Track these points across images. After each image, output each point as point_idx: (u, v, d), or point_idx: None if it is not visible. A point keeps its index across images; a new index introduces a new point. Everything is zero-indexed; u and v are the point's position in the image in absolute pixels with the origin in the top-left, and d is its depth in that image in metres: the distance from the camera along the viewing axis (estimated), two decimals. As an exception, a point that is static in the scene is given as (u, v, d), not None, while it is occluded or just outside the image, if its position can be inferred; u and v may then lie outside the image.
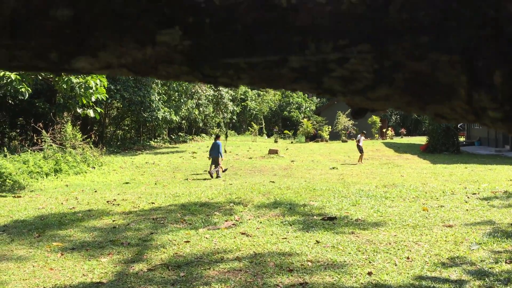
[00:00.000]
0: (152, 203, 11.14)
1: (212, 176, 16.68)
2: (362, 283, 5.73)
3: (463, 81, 0.37)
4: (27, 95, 13.05)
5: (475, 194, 11.12)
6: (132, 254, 6.95)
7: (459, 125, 40.42)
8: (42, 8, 0.37)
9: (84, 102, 14.05)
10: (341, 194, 11.61)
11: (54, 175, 16.85)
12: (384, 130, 46.89)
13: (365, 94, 0.41)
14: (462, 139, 41.10)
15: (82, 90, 13.93)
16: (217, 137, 17.96)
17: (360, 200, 10.64)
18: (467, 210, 9.22)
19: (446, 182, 14.01)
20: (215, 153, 16.95)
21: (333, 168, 20.29)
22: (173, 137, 36.40)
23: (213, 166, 16.98)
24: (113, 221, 9.22)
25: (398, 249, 6.90)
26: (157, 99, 29.76)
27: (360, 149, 22.81)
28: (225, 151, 25.31)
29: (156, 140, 34.54)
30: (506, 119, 0.36)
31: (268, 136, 51.56)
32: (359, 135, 23.47)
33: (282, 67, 0.39)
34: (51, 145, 18.84)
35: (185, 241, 7.54)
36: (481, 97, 0.36)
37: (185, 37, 0.39)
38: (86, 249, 7.25)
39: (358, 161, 22.73)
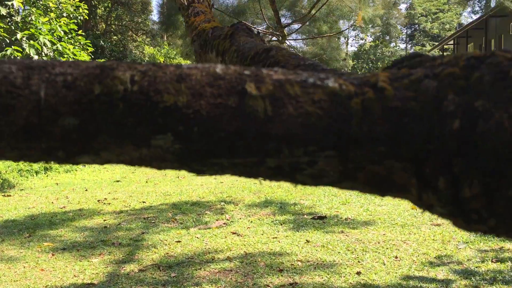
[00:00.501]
0: (143, 202, 11.16)
1: None
2: (351, 283, 5.82)
3: (414, 183, 0.43)
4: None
5: (463, 192, 11.23)
6: (123, 255, 6.99)
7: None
8: (52, 118, 0.43)
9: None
10: (331, 192, 11.70)
11: (44, 173, 16.79)
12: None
13: (332, 186, 0.47)
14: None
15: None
16: None
17: (350, 199, 10.74)
18: (454, 209, 9.35)
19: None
20: None
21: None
22: (164, 133, 36.43)
23: None
24: (104, 220, 9.24)
25: (387, 248, 7.00)
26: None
27: None
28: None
29: (147, 136, 34.53)
30: (451, 215, 0.43)
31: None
32: None
33: (260, 166, 0.45)
34: (41, 143, 18.79)
35: (176, 241, 7.59)
36: (429, 197, 0.43)
37: (176, 142, 0.45)
38: (77, 249, 7.27)
39: None
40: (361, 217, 8.87)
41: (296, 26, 7.65)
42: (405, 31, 69.54)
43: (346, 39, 73.71)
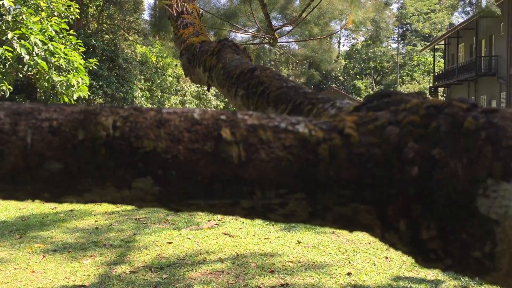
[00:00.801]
0: (135, 202, 11.16)
1: None
2: (341, 284, 5.87)
3: (377, 224, 0.47)
4: (8, 93, 12.92)
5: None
6: (114, 256, 6.99)
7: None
8: (38, 163, 0.45)
9: (66, 100, 13.95)
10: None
11: (36, 173, 16.70)
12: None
13: (303, 223, 0.50)
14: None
15: (64, 88, 13.84)
16: None
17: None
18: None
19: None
20: None
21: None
22: (156, 133, 36.28)
23: None
24: (96, 221, 9.23)
25: (377, 249, 7.06)
26: (140, 95, 29.60)
27: None
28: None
29: (139, 136, 34.37)
30: (411, 253, 0.46)
31: (252, 131, 51.73)
32: None
33: (235, 207, 0.48)
34: (32, 143, 18.66)
35: (168, 242, 7.60)
36: (391, 237, 0.46)
37: (155, 184, 0.48)
38: (68, 251, 7.26)
39: None
40: (352, 217, 8.95)
41: (287, 28, 7.68)
42: (397, 30, 69.73)
43: (338, 38, 73.89)
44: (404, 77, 65.61)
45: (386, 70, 71.35)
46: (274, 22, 7.83)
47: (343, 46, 78.69)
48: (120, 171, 0.47)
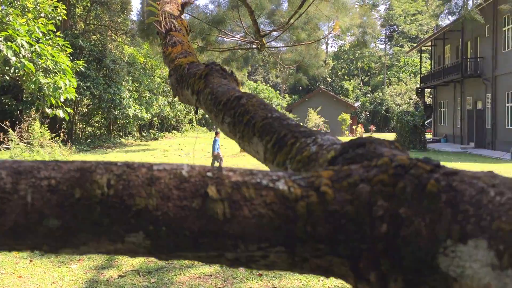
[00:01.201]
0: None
1: None
2: (329, 287, 5.94)
3: (351, 275, 0.51)
4: (-7, 95, 12.78)
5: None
6: (102, 261, 6.98)
7: (426, 122, 41.44)
8: (37, 220, 0.49)
9: (53, 102, 13.86)
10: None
11: (22, 176, 16.55)
12: (354, 127, 47.65)
13: (284, 271, 0.55)
14: (429, 136, 42.13)
15: (51, 90, 13.74)
16: (216, 133, 17.49)
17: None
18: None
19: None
20: (214, 149, 16.80)
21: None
22: (144, 134, 36.10)
23: (216, 162, 16.82)
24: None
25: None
26: (128, 96, 29.46)
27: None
28: (202, 149, 25.27)
29: (127, 137, 34.20)
30: None
31: (240, 132, 51.67)
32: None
33: (220, 258, 0.53)
34: (18, 144, 18.49)
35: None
36: (363, 287, 0.51)
37: (147, 239, 0.52)
38: (56, 255, 7.23)
39: None
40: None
41: (275, 33, 7.73)
42: (384, 32, 70.20)
43: (326, 39, 74.24)
44: (392, 78, 66.09)
45: (374, 71, 71.81)
46: (262, 27, 7.89)
47: (331, 47, 79.12)
48: (114, 227, 0.51)
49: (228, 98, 1.11)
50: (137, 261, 6.89)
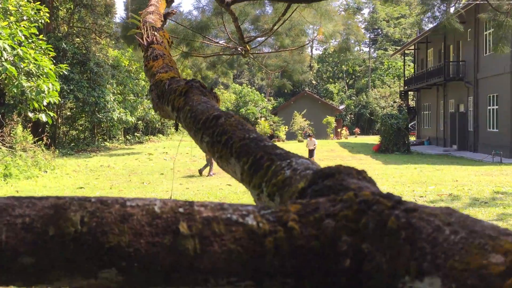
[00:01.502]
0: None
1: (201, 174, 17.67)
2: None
3: None
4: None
5: (422, 197, 11.66)
6: None
7: (409, 125, 41.89)
8: (12, 257, 0.50)
9: (36, 106, 13.72)
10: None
11: (4, 180, 16.34)
12: (339, 130, 47.94)
13: None
14: (413, 138, 42.57)
15: (34, 94, 13.61)
16: None
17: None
18: (414, 214, 9.67)
19: (396, 183, 14.58)
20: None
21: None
22: (129, 138, 35.86)
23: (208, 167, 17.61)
24: (67, 231, 9.09)
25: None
26: (112, 100, 29.25)
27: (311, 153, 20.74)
28: (187, 153, 25.19)
29: (111, 141, 33.94)
30: None
31: (226, 135, 51.66)
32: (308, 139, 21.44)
33: None
34: (0, 148, 18.25)
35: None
36: None
37: (119, 275, 0.53)
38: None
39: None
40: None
41: (260, 38, 7.79)
42: (369, 35, 70.82)
43: (311, 43, 74.65)
44: (376, 81, 66.68)
45: (358, 74, 72.39)
46: (246, 33, 7.96)
47: (316, 50, 79.55)
48: (87, 263, 0.53)
49: (207, 117, 1.13)
50: None
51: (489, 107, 26.67)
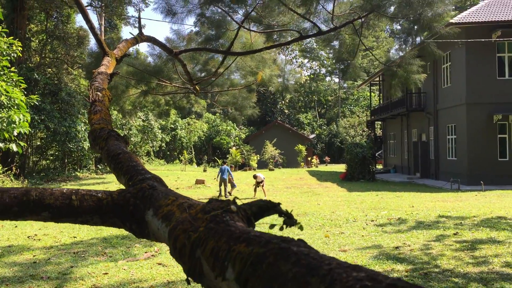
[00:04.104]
0: (74, 237, 11.44)
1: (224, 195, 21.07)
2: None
3: (123, 227, 1.23)
4: None
5: (373, 221, 12.45)
6: (51, 287, 7.36)
7: (377, 154, 43.12)
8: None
9: (6, 136, 14.09)
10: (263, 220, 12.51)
11: (-28, 210, 16.42)
12: (309, 158, 48.87)
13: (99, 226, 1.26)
14: (380, 166, 43.77)
15: (5, 124, 14.01)
16: (224, 162, 23.88)
17: (271, 230, 11.57)
18: (362, 236, 10.43)
19: (354, 209, 15.34)
20: (223, 174, 21.26)
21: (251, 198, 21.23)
22: (100, 167, 35.96)
23: (223, 188, 21.27)
24: (34, 256, 9.49)
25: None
26: (83, 129, 29.56)
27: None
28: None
29: (82, 170, 34.01)
30: None
31: (198, 165, 52.03)
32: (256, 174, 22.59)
33: (69, 220, 1.23)
34: (-31, 178, 18.38)
35: (103, 273, 8.04)
36: (127, 229, 1.23)
37: (49, 214, 1.22)
38: (6, 284, 7.55)
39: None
40: (279, 246, 9.72)
41: (212, 78, 8.65)
42: (338, 66, 72.85)
43: (282, 73, 76.32)
44: (346, 111, 68.43)
45: (330, 103, 74.17)
46: (198, 74, 8.84)
47: (287, 81, 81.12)
48: (37, 209, 1.21)
49: (114, 153, 1.85)
50: (85, 287, 7.31)
51: (448, 137, 27.95)
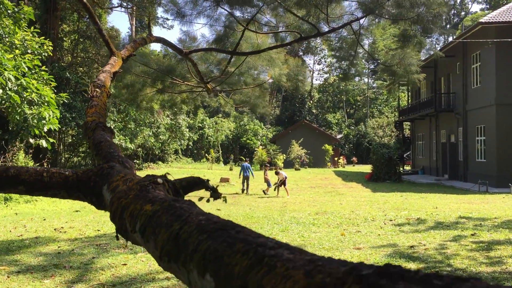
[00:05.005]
0: (98, 230, 11.85)
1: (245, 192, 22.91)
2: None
3: (86, 200, 1.42)
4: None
5: (391, 220, 12.43)
6: (73, 276, 7.71)
7: (405, 155, 42.59)
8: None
9: (37, 132, 14.64)
10: (274, 221, 12.69)
11: (4, 204, 17.17)
12: (336, 158, 48.63)
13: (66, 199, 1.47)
14: (408, 167, 43.20)
15: (35, 121, 14.57)
16: (246, 160, 26.14)
17: (290, 227, 11.72)
18: (379, 235, 10.45)
19: (375, 209, 15.31)
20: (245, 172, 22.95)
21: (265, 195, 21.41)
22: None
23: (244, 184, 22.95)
24: (59, 247, 9.90)
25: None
26: (112, 127, 30.28)
27: (267, 182, 22.94)
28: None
29: (111, 167, 34.74)
30: None
31: (225, 163, 52.47)
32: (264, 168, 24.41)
33: (43, 194, 1.42)
34: (2, 173, 19.11)
35: (122, 264, 8.35)
36: (90, 202, 1.42)
37: (24, 189, 1.43)
38: (31, 272, 7.94)
39: (266, 191, 22.68)
40: (295, 242, 9.86)
41: (222, 77, 8.91)
42: (368, 65, 72.22)
43: (311, 73, 76.15)
44: (374, 111, 67.76)
45: (359, 104, 73.54)
46: (213, 73, 9.14)
47: (316, 80, 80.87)
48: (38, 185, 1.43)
49: (97, 142, 2.07)
50: (104, 277, 7.63)
51: (477, 138, 27.44)
